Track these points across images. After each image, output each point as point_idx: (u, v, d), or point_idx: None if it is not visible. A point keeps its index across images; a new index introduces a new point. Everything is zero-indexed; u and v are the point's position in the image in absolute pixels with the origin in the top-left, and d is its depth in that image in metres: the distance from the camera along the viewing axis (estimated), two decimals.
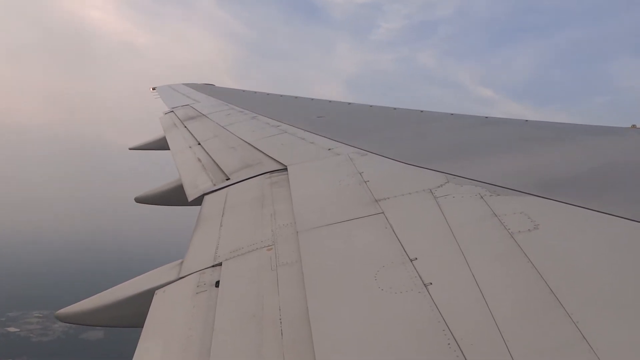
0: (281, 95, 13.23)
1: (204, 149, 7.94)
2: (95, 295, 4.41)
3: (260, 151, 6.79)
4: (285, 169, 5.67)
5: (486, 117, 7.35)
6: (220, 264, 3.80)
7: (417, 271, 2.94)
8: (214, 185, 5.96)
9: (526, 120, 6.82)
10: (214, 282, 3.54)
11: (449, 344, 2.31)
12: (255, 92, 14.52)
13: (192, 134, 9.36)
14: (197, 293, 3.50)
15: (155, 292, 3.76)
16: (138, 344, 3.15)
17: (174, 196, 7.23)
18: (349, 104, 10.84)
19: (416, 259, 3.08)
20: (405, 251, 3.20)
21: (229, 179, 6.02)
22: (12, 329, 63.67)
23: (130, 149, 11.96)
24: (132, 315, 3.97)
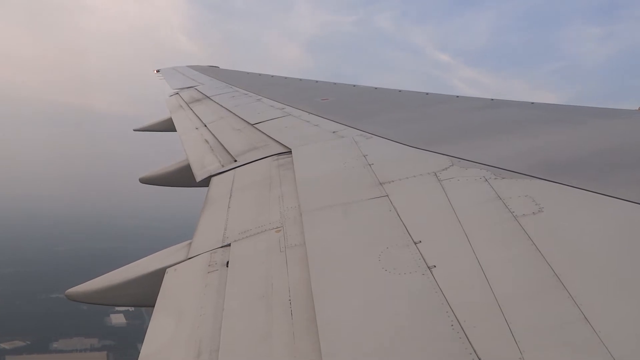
0: (285, 78, 13.23)
1: (210, 131, 7.97)
2: (105, 275, 4.48)
3: (265, 134, 6.81)
4: (291, 152, 5.70)
5: (492, 100, 7.33)
6: (229, 245, 3.85)
7: (421, 254, 2.97)
8: (222, 166, 6.00)
9: (532, 103, 6.80)
10: (225, 262, 3.59)
11: (452, 325, 2.35)
12: (260, 75, 14.50)
13: (197, 116, 9.39)
14: (208, 272, 3.56)
15: (167, 270, 3.82)
16: (151, 321, 3.22)
17: (178, 177, 7.30)
18: (354, 86, 10.81)
19: (420, 241, 3.12)
20: (409, 234, 3.23)
21: (235, 160, 6.05)
22: None
23: (135, 130, 12.00)
24: (141, 294, 4.05)
